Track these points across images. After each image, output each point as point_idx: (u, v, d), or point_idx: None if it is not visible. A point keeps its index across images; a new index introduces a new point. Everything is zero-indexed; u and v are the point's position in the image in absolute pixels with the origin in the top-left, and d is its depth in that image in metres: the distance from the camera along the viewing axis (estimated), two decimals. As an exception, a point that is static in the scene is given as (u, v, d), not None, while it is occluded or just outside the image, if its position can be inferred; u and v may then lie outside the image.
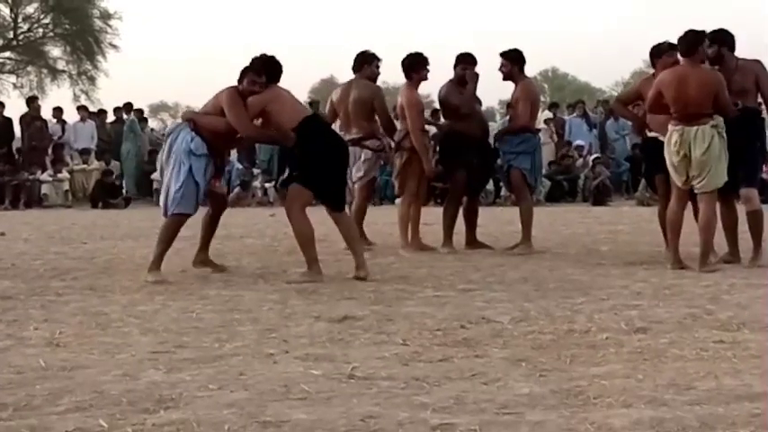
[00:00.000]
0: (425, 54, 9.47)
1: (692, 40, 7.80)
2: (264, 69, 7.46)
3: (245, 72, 7.42)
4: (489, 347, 4.82)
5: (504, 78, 9.60)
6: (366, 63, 9.70)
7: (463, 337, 5.08)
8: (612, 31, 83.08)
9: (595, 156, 20.16)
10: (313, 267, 7.28)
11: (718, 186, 7.79)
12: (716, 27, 8.15)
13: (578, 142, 21.17)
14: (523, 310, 5.91)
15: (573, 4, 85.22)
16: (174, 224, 7.62)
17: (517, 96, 9.56)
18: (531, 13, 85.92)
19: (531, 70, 9.80)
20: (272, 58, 7.58)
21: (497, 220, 12.80)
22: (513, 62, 9.51)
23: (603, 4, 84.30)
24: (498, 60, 9.57)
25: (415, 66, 9.40)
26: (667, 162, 7.90)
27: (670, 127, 7.84)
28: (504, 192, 17.57)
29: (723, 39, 8.09)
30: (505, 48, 9.60)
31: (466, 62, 9.58)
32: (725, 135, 7.75)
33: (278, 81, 7.59)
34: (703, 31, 7.86)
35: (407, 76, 9.46)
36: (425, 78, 9.57)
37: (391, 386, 4.03)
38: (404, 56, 9.46)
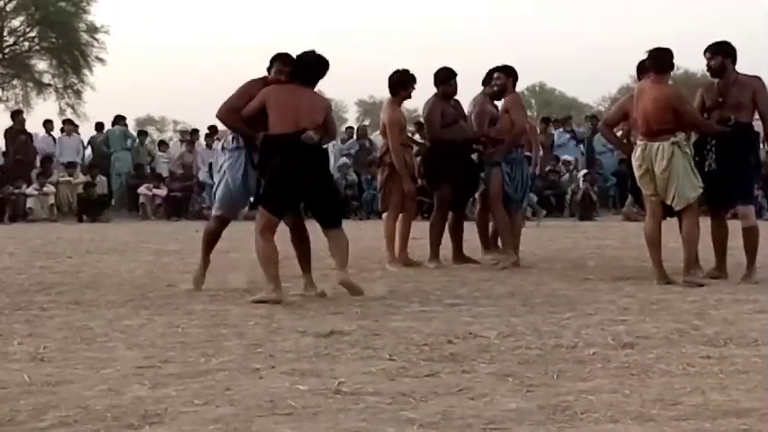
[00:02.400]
0: (412, 72, 9.47)
1: (657, 57, 7.86)
2: (294, 62, 7.12)
3: (273, 59, 7.24)
4: (476, 363, 4.81)
5: (499, 92, 9.64)
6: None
7: (450, 353, 5.06)
8: (600, 47, 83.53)
9: (585, 172, 20.22)
10: (270, 285, 6.95)
11: (690, 201, 7.81)
12: (718, 39, 8.22)
13: (566, 157, 21.25)
14: (510, 326, 5.90)
15: (560, 19, 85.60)
16: (208, 227, 7.77)
17: (506, 107, 9.58)
18: (519, 28, 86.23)
19: (518, 85, 9.84)
20: (310, 55, 7.14)
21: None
22: (508, 76, 9.57)
23: (591, 19, 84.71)
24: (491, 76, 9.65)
25: (404, 83, 9.41)
26: (635, 175, 7.99)
27: (638, 142, 7.94)
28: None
29: (726, 50, 8.13)
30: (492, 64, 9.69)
31: (452, 78, 9.59)
32: (689, 150, 7.80)
33: (307, 82, 7.15)
34: (669, 50, 7.91)
35: (394, 92, 9.47)
36: (410, 96, 9.59)
37: (378, 401, 4.01)
38: (392, 72, 9.46)
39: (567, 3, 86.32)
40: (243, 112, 7.24)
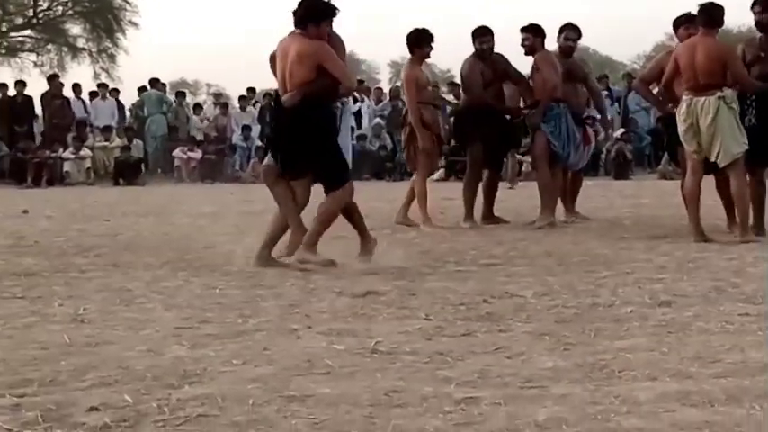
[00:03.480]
0: (431, 31, 9.42)
1: (710, 11, 7.76)
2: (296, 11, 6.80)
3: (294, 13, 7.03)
4: (513, 322, 4.81)
5: (527, 53, 9.57)
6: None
7: (486, 312, 5.06)
8: (633, 4, 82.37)
9: (622, 131, 20.05)
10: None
11: (735, 157, 7.74)
12: None
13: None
14: (546, 285, 5.89)
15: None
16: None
17: (537, 65, 9.51)
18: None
19: (551, 45, 9.76)
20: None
21: (520, 195, 12.76)
22: (535, 35, 9.50)
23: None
24: (519, 36, 9.57)
25: (420, 42, 9.39)
26: (679, 131, 7.90)
27: (683, 97, 7.85)
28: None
29: None
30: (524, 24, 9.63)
31: (483, 35, 9.55)
32: (735, 106, 7.72)
33: (301, 27, 6.70)
34: (722, 6, 7.81)
35: (411, 50, 9.46)
36: (428, 56, 9.58)
37: (415, 360, 4.02)
38: (410, 31, 9.44)
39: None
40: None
